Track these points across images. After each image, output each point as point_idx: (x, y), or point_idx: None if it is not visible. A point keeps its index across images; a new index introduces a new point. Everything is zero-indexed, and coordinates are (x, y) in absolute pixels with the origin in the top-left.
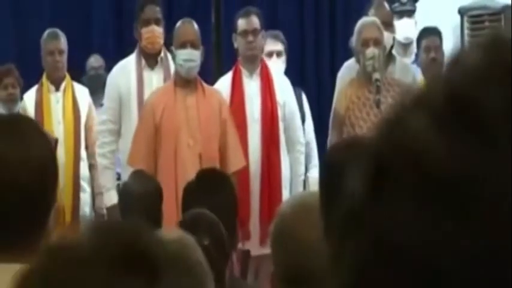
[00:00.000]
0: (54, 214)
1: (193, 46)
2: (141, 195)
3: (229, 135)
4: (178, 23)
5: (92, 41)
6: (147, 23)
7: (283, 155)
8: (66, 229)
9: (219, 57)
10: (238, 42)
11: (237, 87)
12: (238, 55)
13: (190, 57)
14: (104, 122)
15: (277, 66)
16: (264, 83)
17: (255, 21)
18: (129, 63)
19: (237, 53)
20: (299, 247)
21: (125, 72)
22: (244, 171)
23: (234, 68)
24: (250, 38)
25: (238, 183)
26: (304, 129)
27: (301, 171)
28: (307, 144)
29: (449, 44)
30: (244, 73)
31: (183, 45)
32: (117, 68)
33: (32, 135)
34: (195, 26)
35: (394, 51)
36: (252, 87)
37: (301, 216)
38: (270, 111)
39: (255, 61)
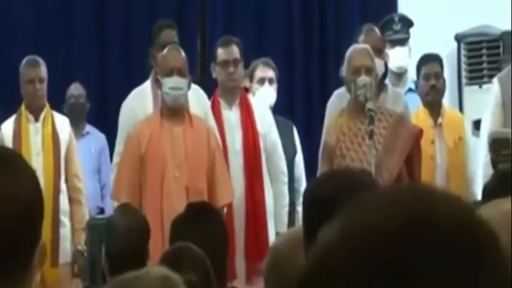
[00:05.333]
0: (39, 251)
1: (180, 74)
2: (126, 231)
3: (217, 167)
4: (165, 50)
5: (73, 69)
6: (166, 46)
7: (266, 186)
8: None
9: (204, 85)
10: (217, 73)
11: (216, 119)
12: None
13: (177, 85)
14: (119, 154)
15: (269, 94)
16: (244, 114)
17: (235, 50)
18: (144, 90)
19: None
20: (293, 281)
21: (141, 99)
22: (228, 207)
23: (212, 100)
24: (231, 68)
25: None
26: (294, 163)
27: (285, 202)
28: (297, 180)
29: (445, 71)
30: (223, 105)
31: (169, 73)
32: (132, 96)
33: (18, 169)
34: (183, 53)
35: (387, 80)
36: (231, 118)
37: (295, 250)
38: (252, 143)
39: (235, 92)
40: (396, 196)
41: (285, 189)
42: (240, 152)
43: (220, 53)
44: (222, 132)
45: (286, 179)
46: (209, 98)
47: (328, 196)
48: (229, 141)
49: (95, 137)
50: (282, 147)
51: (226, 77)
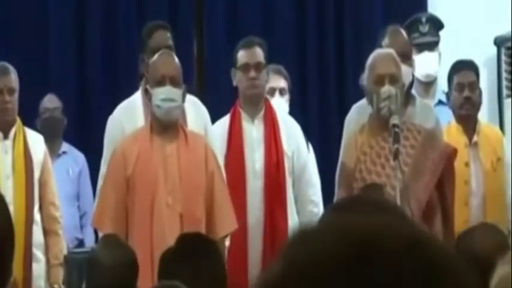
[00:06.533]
0: (10, 286)
1: (174, 83)
2: (111, 266)
3: (217, 191)
4: (155, 56)
5: (47, 78)
6: (158, 51)
7: (291, 217)
8: None
9: (202, 96)
10: (238, 79)
11: (235, 134)
12: (238, 95)
13: (170, 96)
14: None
15: (280, 106)
16: (268, 129)
17: (259, 53)
18: (134, 102)
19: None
20: None
21: (131, 112)
22: (241, 236)
23: (232, 111)
24: (253, 73)
25: (234, 251)
26: None
27: None
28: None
29: (483, 80)
30: (244, 117)
31: (161, 82)
32: (120, 108)
33: None
34: (176, 59)
35: (413, 90)
36: (253, 134)
37: None
38: (275, 164)
39: (258, 102)
40: (336, 225)
41: (314, 221)
42: (260, 172)
43: (241, 55)
44: (241, 148)
45: (316, 209)
46: (209, 110)
47: None
48: (249, 159)
49: (73, 157)
50: (312, 171)
51: (247, 83)
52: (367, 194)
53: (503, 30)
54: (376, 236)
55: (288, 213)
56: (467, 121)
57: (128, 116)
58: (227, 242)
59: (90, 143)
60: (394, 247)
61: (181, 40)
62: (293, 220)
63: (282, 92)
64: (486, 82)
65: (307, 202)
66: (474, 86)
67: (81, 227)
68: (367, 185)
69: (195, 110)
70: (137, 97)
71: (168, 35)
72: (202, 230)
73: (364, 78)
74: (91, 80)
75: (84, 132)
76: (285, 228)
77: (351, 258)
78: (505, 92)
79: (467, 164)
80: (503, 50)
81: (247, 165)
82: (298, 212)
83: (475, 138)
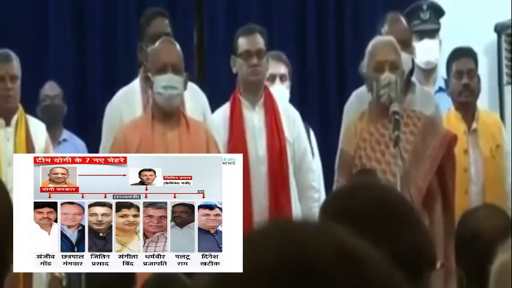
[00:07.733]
0: (9, 279)
1: (175, 70)
2: None
3: None
4: (157, 43)
5: (47, 66)
6: (157, 39)
7: (294, 203)
8: None
9: (203, 84)
10: (238, 66)
11: (236, 121)
12: (237, 82)
13: (171, 83)
14: None
15: (281, 93)
16: (269, 116)
17: (259, 40)
18: (132, 90)
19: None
20: None
21: (129, 100)
22: (247, 221)
23: (231, 98)
24: (254, 60)
25: None
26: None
27: None
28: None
29: (483, 67)
30: (245, 104)
31: (162, 70)
32: (118, 96)
33: None
34: (178, 47)
35: (413, 78)
36: (254, 121)
37: None
38: (278, 150)
39: (259, 89)
40: (265, 235)
41: (315, 206)
42: (263, 158)
43: (242, 43)
44: (243, 135)
45: (316, 195)
46: (209, 98)
47: (340, 215)
48: (251, 146)
49: (73, 145)
50: (312, 158)
51: (249, 70)
52: (361, 179)
53: (503, 17)
54: (311, 247)
55: (291, 198)
56: (466, 108)
57: (127, 104)
58: None
59: (90, 131)
60: (327, 258)
61: (181, 29)
62: (296, 207)
63: (282, 78)
64: (486, 69)
65: (307, 188)
66: (473, 73)
67: None
68: (361, 170)
69: (193, 97)
70: (136, 84)
71: (167, 22)
72: None
73: (364, 65)
74: (91, 67)
75: (84, 120)
76: (288, 208)
77: (286, 267)
78: (505, 79)
79: (466, 151)
80: (503, 37)
81: (250, 151)
82: (299, 198)
83: (474, 125)
